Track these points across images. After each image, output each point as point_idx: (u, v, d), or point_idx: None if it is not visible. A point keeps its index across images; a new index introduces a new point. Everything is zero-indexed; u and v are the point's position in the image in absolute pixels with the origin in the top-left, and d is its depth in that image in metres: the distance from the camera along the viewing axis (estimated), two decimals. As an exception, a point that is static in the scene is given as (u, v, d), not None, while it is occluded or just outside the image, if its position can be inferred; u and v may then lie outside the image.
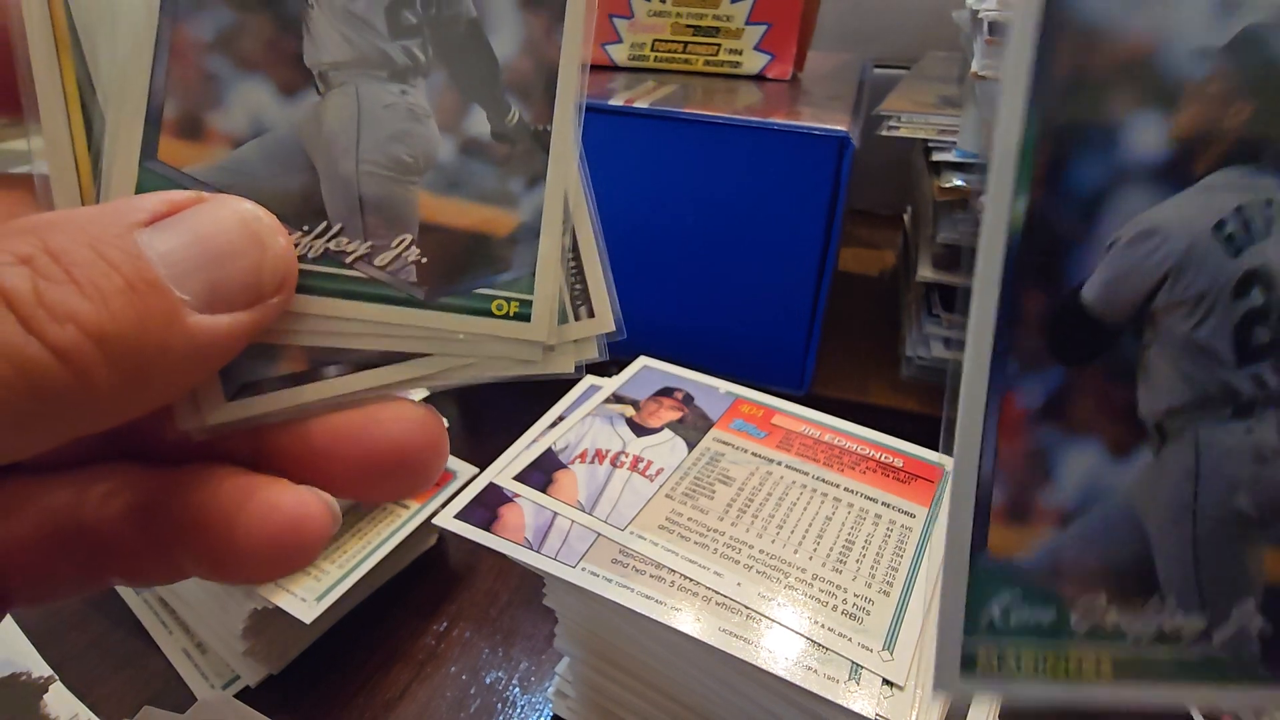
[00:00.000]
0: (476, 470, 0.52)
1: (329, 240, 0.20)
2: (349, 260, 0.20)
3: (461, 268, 0.21)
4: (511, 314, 0.21)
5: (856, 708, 0.31)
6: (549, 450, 0.47)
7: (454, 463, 0.54)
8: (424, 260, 0.21)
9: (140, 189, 0.19)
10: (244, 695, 0.45)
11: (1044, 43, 0.18)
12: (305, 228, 0.20)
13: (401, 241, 0.21)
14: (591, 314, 0.22)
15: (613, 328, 0.22)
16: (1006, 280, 0.18)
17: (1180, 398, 0.19)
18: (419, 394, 0.50)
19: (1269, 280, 0.18)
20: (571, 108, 0.22)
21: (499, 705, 0.46)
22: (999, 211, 0.18)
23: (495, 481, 0.45)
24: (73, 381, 0.15)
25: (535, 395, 0.51)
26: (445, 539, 0.54)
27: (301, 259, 0.20)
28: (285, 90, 0.20)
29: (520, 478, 0.46)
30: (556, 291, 0.22)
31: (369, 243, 0.21)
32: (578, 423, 0.47)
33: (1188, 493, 0.19)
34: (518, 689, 0.47)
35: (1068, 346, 0.19)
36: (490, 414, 0.66)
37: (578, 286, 0.22)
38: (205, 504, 0.19)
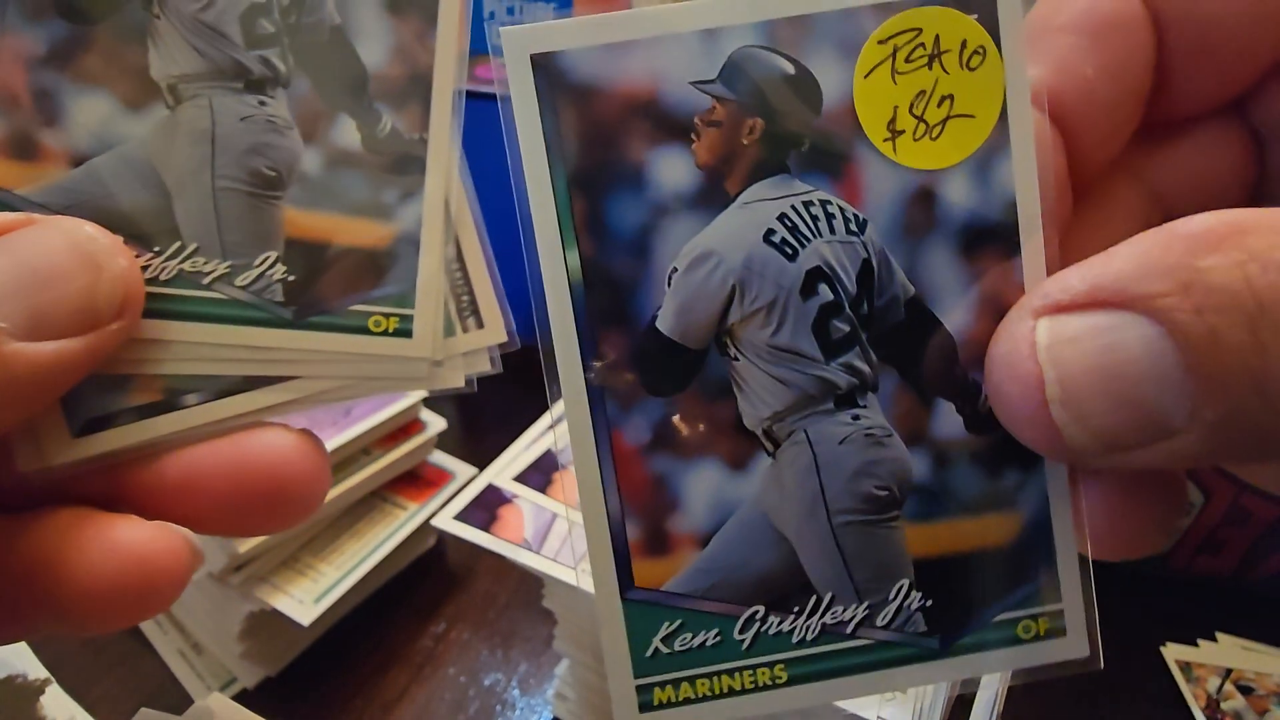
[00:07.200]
0: (476, 471, 0.51)
1: (184, 261, 0.19)
2: (207, 281, 0.19)
3: (333, 284, 0.20)
4: (391, 330, 0.20)
5: (857, 709, 0.30)
6: (549, 451, 0.46)
7: (453, 463, 0.53)
8: (291, 278, 0.20)
9: None
10: (241, 697, 0.45)
11: (546, 107, 0.18)
12: (156, 249, 0.19)
13: (265, 259, 0.20)
14: (481, 324, 0.21)
15: (505, 338, 0.21)
16: (580, 330, 0.19)
17: (780, 402, 0.20)
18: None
19: (831, 275, 0.19)
20: (449, 115, 0.20)
21: (498, 707, 0.45)
22: (555, 269, 0.19)
23: (494, 482, 0.44)
24: None
25: (535, 395, 0.50)
26: (444, 540, 0.54)
27: (152, 281, 0.19)
28: (131, 105, 0.19)
29: (520, 479, 0.45)
30: (440, 304, 0.21)
31: (229, 262, 0.20)
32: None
33: (813, 486, 0.20)
34: (517, 691, 0.46)
35: (658, 378, 0.20)
36: (490, 414, 0.65)
37: (465, 297, 0.21)
38: (43, 549, 0.18)
